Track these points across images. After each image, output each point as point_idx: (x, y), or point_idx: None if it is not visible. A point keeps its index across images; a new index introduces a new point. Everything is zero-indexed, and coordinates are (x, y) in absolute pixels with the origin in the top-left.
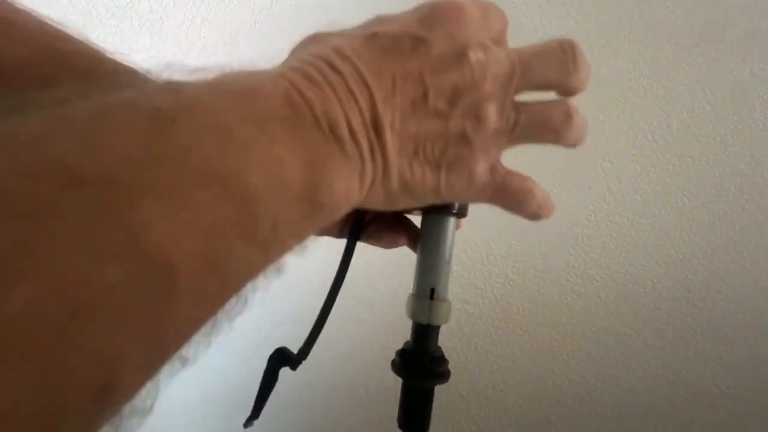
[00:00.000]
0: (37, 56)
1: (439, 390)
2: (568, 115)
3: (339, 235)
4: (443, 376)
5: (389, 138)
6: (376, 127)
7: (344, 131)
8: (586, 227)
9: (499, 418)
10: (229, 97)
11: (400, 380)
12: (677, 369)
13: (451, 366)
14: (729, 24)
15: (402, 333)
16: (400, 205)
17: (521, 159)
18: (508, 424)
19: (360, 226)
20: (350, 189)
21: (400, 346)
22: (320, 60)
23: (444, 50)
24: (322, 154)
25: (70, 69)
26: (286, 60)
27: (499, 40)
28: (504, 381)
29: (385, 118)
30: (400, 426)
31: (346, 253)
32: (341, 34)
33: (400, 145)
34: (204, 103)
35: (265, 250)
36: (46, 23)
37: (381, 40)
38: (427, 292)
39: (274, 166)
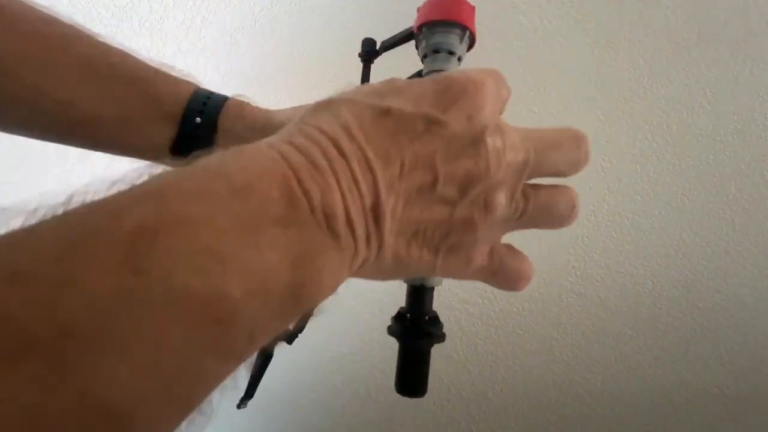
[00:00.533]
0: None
1: (439, 390)
2: (573, 207)
3: None
4: (439, 336)
5: (388, 224)
6: (375, 214)
7: (341, 223)
8: (586, 227)
9: (499, 418)
10: (218, 202)
11: None
12: (677, 369)
13: (451, 366)
14: (729, 24)
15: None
16: (389, 278)
17: None
18: (508, 424)
19: None
20: (339, 277)
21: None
22: (327, 140)
23: (460, 133)
24: (314, 250)
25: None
26: (294, 123)
27: (503, 110)
28: (504, 381)
29: (387, 205)
30: (399, 389)
31: None
32: (353, 102)
33: (399, 228)
34: (189, 216)
35: (238, 358)
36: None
37: (393, 119)
38: None
39: (260, 274)
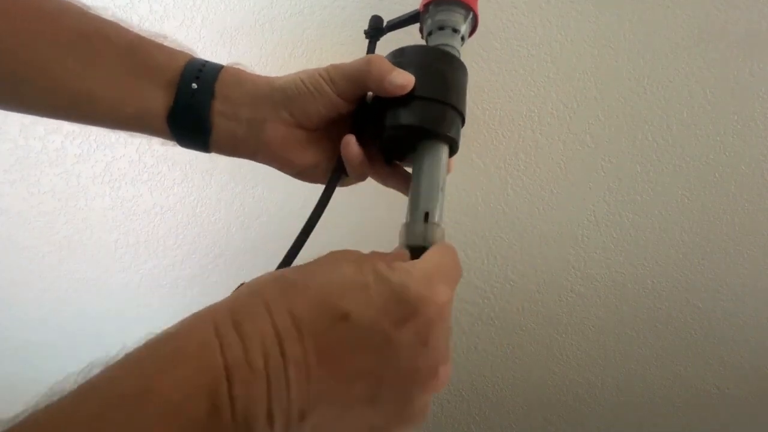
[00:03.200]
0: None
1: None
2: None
3: (320, 181)
4: None
5: (310, 424)
6: (301, 416)
7: (260, 425)
8: (586, 227)
9: (499, 418)
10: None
11: None
12: (677, 369)
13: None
14: (729, 24)
15: None
16: None
17: (521, 161)
18: (508, 424)
19: (342, 169)
20: None
21: None
22: (273, 337)
23: (407, 354)
24: None
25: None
26: (252, 294)
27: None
28: (504, 381)
29: (314, 413)
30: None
31: (325, 193)
32: (318, 292)
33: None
34: None
35: None
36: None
37: (350, 330)
38: (421, 216)
39: None
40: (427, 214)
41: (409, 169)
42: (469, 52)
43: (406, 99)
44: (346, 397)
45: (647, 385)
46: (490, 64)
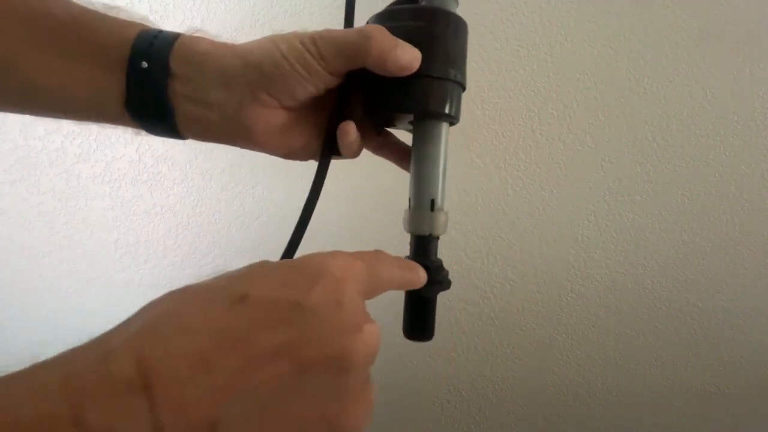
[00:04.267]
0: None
1: (439, 390)
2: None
3: (312, 157)
4: (446, 283)
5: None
6: (212, 428)
7: None
8: (586, 227)
9: (499, 418)
10: None
11: (398, 378)
12: (677, 369)
13: (451, 366)
14: (729, 24)
15: (401, 332)
16: None
17: (521, 161)
18: (507, 424)
19: (333, 144)
20: None
21: (401, 347)
22: (127, 386)
23: (326, 317)
24: None
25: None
26: (143, 316)
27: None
28: (504, 381)
29: (228, 417)
30: (408, 334)
31: (318, 172)
32: (212, 285)
33: None
34: None
35: None
36: None
37: (253, 308)
38: (426, 203)
39: None
40: (432, 202)
41: (399, 136)
42: (469, 53)
43: (406, 77)
44: (265, 382)
45: (647, 385)
46: (490, 64)
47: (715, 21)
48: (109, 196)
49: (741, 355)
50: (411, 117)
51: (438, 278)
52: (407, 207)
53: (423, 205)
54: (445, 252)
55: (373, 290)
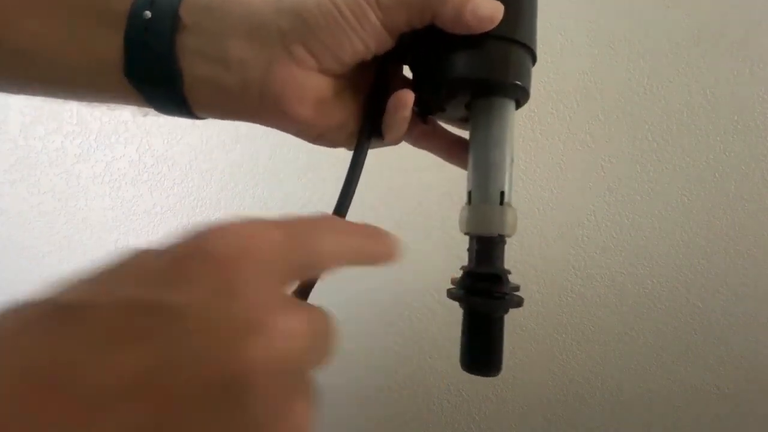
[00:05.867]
0: None
1: (439, 390)
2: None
3: (343, 144)
4: (516, 299)
5: None
6: None
7: None
8: (586, 227)
9: (499, 417)
10: None
11: (398, 378)
12: (677, 369)
13: (451, 366)
14: (729, 24)
15: (402, 334)
16: None
17: (521, 161)
18: (507, 424)
19: (374, 126)
20: None
21: (400, 346)
22: None
23: (215, 315)
24: None
25: None
26: None
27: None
28: (504, 381)
29: None
30: (467, 366)
31: (356, 156)
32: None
33: None
34: None
35: None
36: None
37: (89, 322)
38: (495, 196)
39: None
40: (502, 194)
41: (449, 127)
42: None
43: (475, 39)
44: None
45: (647, 385)
46: None
47: (715, 21)
48: (109, 196)
49: (741, 355)
50: (466, 99)
51: (505, 291)
52: (464, 204)
53: (490, 198)
54: (444, 252)
55: (299, 268)
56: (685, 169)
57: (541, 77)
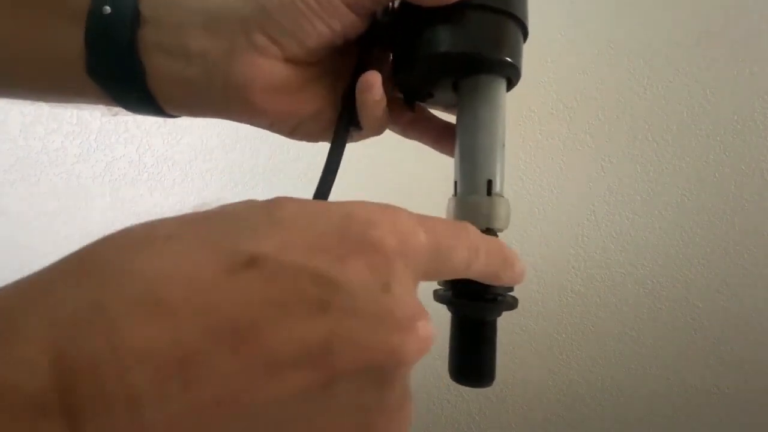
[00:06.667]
0: None
1: (439, 390)
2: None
3: (321, 137)
4: (513, 300)
5: None
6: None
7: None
8: (586, 227)
9: (499, 417)
10: None
11: None
12: (677, 369)
13: None
14: (729, 24)
15: None
16: None
17: (521, 161)
18: (508, 424)
19: (352, 120)
20: None
21: None
22: (37, 409)
23: (370, 300)
24: None
25: None
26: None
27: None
28: (504, 381)
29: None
30: (455, 376)
31: (333, 148)
32: (205, 239)
33: None
34: None
35: None
36: None
37: (264, 279)
38: (482, 186)
39: None
40: (490, 183)
41: (437, 112)
42: None
43: (453, 10)
44: (276, 399)
45: (647, 385)
46: None
47: (715, 21)
48: (109, 196)
49: (741, 355)
50: (452, 80)
51: (497, 293)
52: (450, 196)
53: (476, 187)
54: None
55: (433, 273)
56: (685, 169)
57: (541, 77)
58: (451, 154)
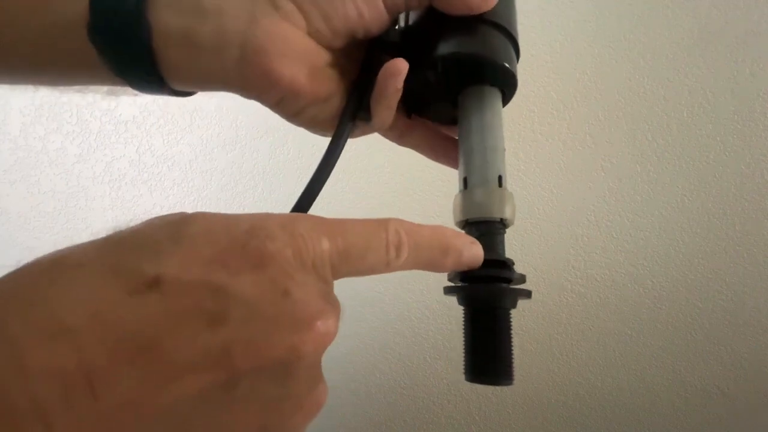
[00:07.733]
0: None
1: (439, 390)
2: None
3: (324, 126)
4: (528, 291)
5: None
6: None
7: None
8: (586, 227)
9: (499, 418)
10: None
11: (398, 378)
12: (677, 369)
13: (451, 366)
14: (729, 24)
15: (403, 334)
16: None
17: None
18: (508, 424)
19: (359, 106)
20: None
21: (401, 347)
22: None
23: (268, 306)
24: None
25: None
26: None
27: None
28: None
29: None
30: (471, 375)
31: (335, 142)
32: (109, 264)
33: None
34: None
35: None
36: None
37: (165, 298)
38: (494, 179)
39: None
40: (500, 178)
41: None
42: None
43: (469, 23)
44: (181, 400)
45: (647, 385)
46: None
47: (715, 21)
48: (109, 196)
49: (741, 355)
50: (452, 97)
51: (511, 277)
52: (458, 192)
53: (488, 180)
54: None
55: (348, 273)
56: (685, 169)
57: (541, 77)
58: (445, 162)
